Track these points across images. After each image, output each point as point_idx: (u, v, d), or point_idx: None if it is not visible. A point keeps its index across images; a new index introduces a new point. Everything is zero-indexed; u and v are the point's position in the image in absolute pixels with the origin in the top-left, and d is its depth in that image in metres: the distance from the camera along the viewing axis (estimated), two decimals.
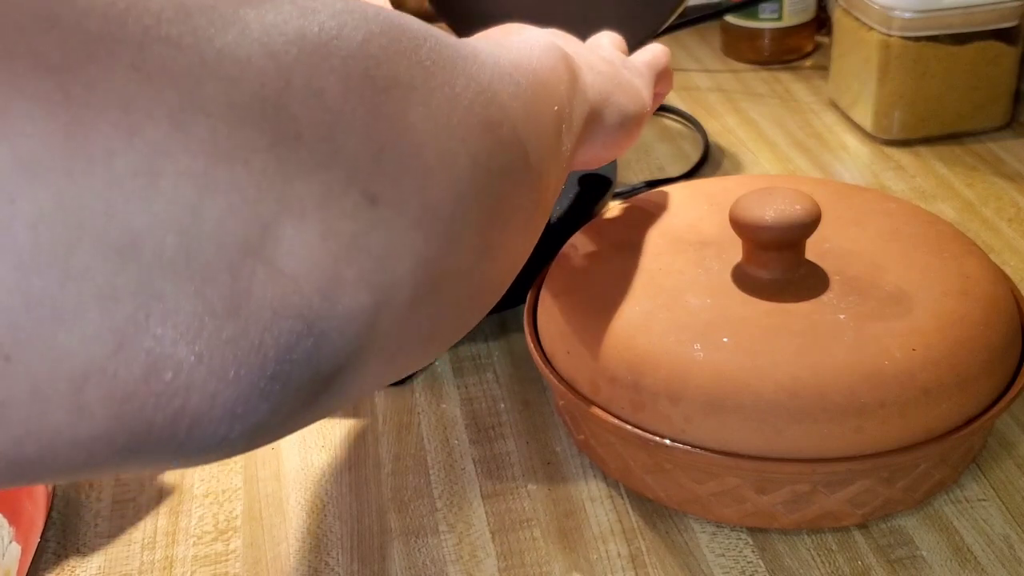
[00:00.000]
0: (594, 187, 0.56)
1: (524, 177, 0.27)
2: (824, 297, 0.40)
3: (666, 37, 0.76)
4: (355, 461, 0.46)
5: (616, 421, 0.39)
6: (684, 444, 0.38)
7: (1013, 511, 0.40)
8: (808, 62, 0.84)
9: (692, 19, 0.81)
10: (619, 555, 0.40)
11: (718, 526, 0.40)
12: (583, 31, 0.45)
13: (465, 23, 0.72)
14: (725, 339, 0.39)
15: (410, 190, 0.21)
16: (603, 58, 0.42)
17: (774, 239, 0.41)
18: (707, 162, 0.70)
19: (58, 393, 0.16)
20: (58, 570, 0.41)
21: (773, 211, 0.40)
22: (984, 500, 0.41)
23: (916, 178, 0.66)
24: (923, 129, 0.69)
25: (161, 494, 0.45)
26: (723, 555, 0.39)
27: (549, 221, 0.41)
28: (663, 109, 0.76)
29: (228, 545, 0.42)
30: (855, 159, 0.69)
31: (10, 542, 0.38)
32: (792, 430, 0.37)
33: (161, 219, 0.16)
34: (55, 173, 0.15)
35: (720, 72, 0.84)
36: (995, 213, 0.61)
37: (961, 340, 0.38)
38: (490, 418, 0.47)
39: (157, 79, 0.16)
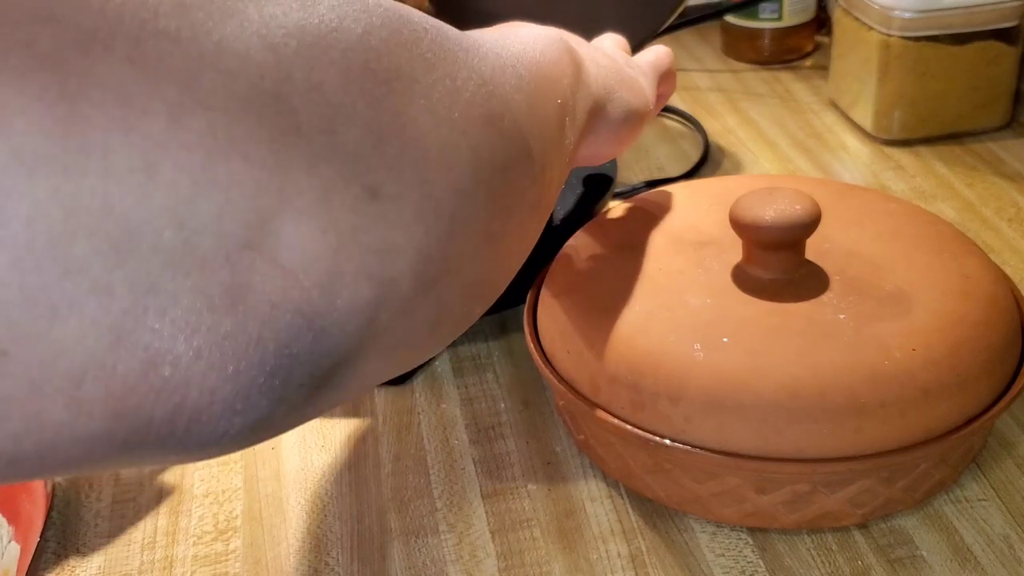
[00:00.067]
0: (595, 186, 0.56)
1: (526, 170, 0.27)
2: (824, 297, 0.40)
3: (666, 37, 0.76)
4: (355, 461, 0.45)
5: (616, 421, 0.39)
6: (684, 444, 0.38)
7: (1013, 511, 0.40)
8: (808, 62, 0.84)
9: (692, 19, 0.81)
10: (619, 555, 0.40)
11: (718, 526, 0.40)
12: (584, 31, 0.45)
13: (465, 23, 0.71)
14: (725, 339, 0.39)
15: (411, 183, 0.21)
16: (607, 54, 0.42)
17: (774, 239, 0.40)
18: (707, 162, 0.70)
19: (56, 389, 0.16)
20: (58, 570, 0.41)
21: (773, 211, 0.40)
22: (984, 500, 0.41)
23: (916, 178, 0.66)
24: (923, 129, 0.69)
25: (161, 494, 0.44)
26: (723, 555, 0.39)
27: (549, 221, 0.41)
28: (663, 109, 0.76)
29: (228, 545, 0.42)
30: (855, 159, 0.69)
31: (9, 541, 0.38)
32: (792, 430, 0.37)
33: (159, 213, 0.16)
34: (51, 168, 0.15)
35: (720, 72, 0.84)
36: (995, 213, 0.61)
37: (961, 340, 0.38)
38: (490, 418, 0.47)
39: (154, 73, 0.16)
